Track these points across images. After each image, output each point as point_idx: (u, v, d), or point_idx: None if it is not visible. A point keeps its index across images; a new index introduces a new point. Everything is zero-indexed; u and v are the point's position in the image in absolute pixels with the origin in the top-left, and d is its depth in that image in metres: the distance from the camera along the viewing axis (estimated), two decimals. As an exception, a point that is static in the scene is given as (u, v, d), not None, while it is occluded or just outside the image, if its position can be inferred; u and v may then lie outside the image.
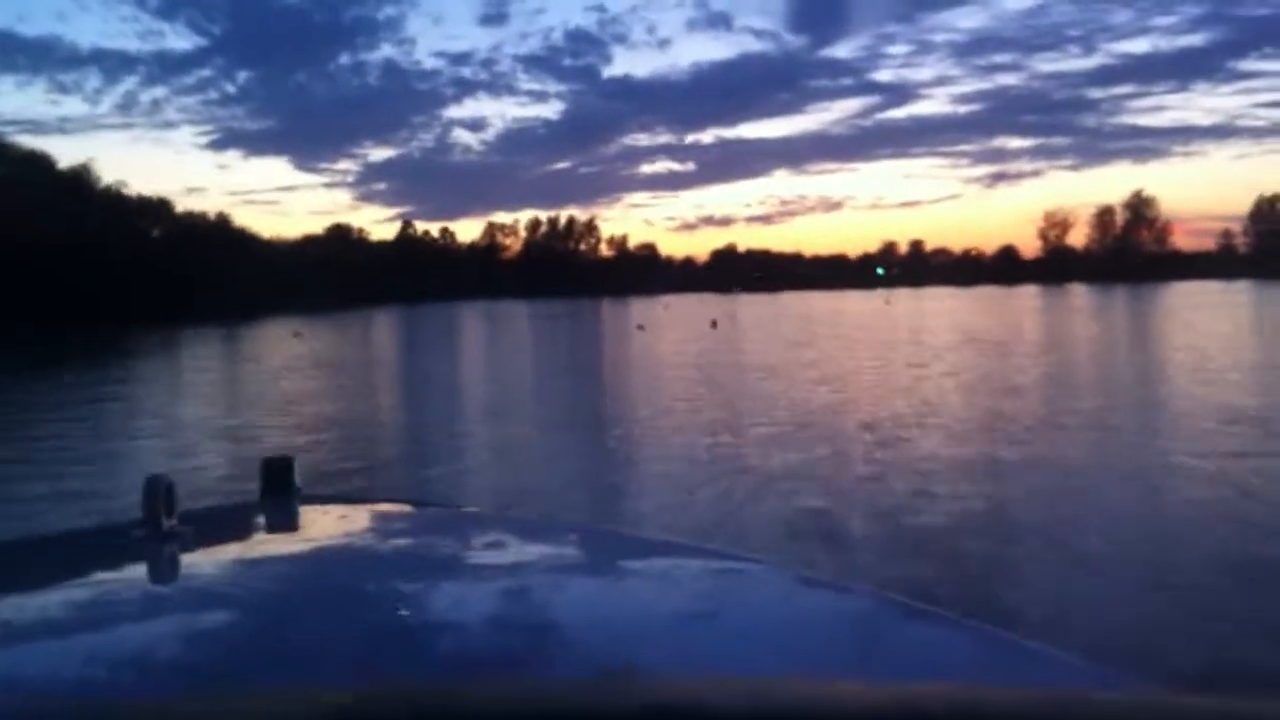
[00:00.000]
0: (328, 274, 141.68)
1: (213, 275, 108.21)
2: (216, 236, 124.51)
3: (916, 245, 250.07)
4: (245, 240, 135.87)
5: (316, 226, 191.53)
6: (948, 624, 1.21)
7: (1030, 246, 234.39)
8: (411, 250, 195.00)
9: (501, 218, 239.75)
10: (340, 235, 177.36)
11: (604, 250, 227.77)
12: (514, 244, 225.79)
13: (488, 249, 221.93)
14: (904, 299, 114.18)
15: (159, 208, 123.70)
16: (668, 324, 64.81)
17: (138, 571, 1.42)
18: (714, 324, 58.57)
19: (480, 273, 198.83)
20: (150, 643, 1.02)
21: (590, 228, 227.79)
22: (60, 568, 1.44)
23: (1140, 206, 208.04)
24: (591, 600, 1.30)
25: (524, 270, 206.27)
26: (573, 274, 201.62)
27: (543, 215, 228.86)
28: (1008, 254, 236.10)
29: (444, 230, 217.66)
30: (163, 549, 1.41)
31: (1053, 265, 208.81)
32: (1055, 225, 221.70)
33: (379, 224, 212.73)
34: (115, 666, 0.89)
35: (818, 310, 76.95)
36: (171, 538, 1.44)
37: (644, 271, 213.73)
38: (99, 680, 0.86)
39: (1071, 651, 1.04)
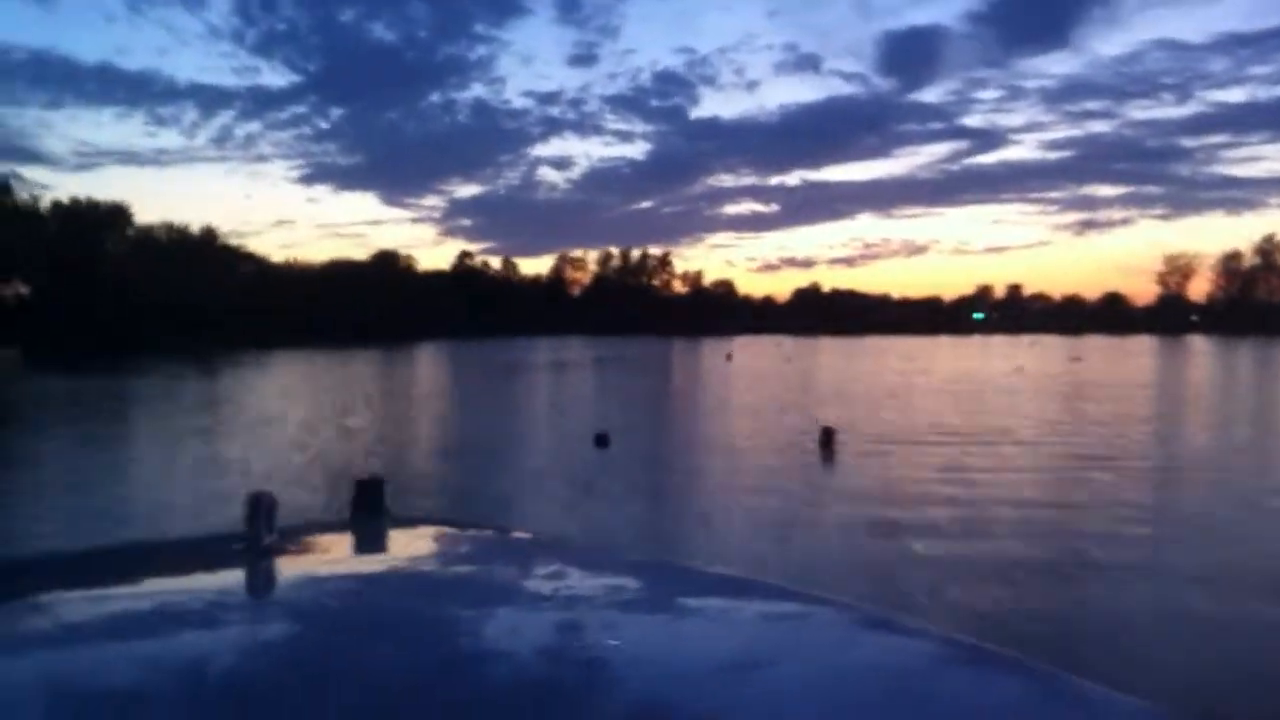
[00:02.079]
0: (365, 304, 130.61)
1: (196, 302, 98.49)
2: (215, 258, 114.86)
3: (1014, 289, 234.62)
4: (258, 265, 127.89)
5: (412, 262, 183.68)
6: (1017, 668, 1.18)
7: (1139, 294, 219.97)
8: (469, 281, 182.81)
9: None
10: (385, 262, 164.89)
11: (678, 287, 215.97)
12: (583, 278, 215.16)
13: (554, 283, 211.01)
14: (1027, 351, 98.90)
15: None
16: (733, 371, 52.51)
17: (235, 583, 1.48)
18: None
19: (546, 308, 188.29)
20: (239, 655, 1.06)
21: (664, 263, 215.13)
22: (163, 575, 1.53)
23: (1273, 252, 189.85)
24: (655, 636, 1.30)
25: (592, 306, 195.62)
26: (644, 311, 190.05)
27: (614, 249, 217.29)
28: (1113, 301, 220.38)
29: (506, 261, 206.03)
30: (260, 563, 1.49)
31: (1168, 314, 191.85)
32: (1176, 271, 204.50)
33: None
34: (203, 676, 0.92)
35: (936, 367, 62.89)
36: (269, 552, 1.52)
37: (720, 310, 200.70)
38: (185, 689, 0.89)
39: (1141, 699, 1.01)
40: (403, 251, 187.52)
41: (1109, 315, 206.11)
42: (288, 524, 1.65)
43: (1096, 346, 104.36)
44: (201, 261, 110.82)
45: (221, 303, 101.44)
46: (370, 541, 1.80)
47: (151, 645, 1.09)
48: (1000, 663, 1.20)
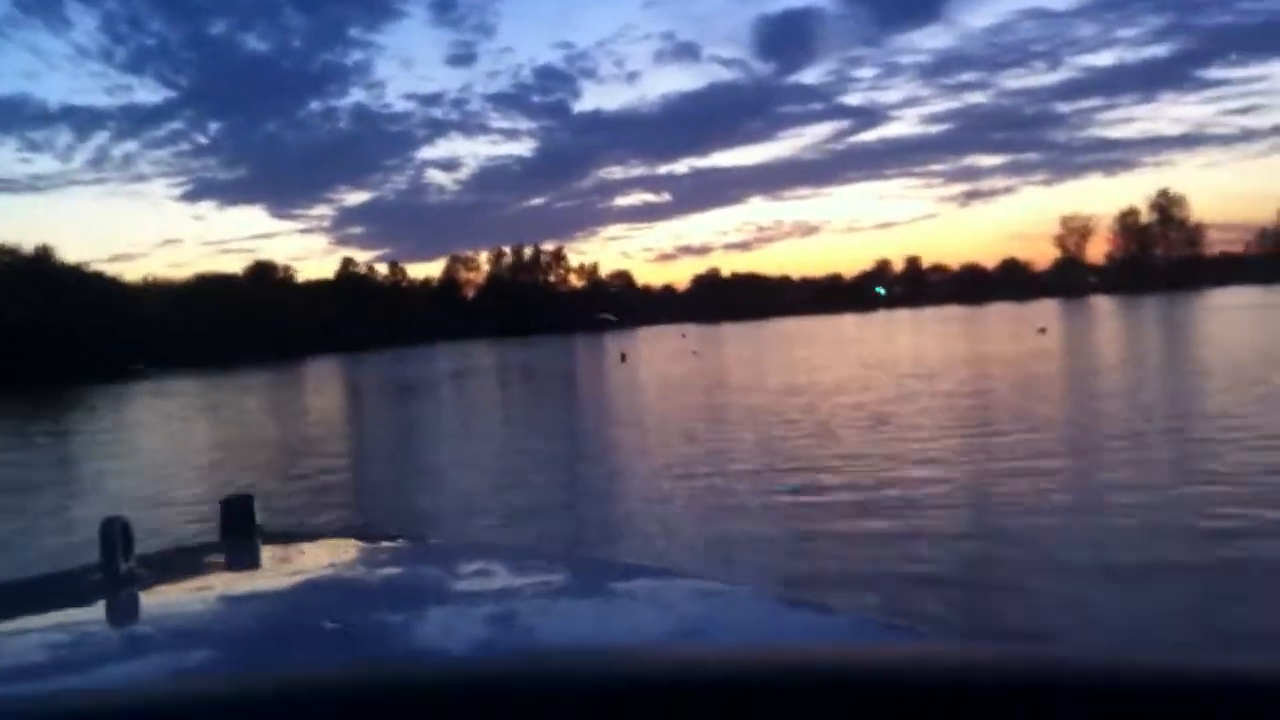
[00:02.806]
0: (240, 321, 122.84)
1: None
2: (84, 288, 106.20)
3: (913, 262, 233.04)
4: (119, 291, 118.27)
5: (300, 274, 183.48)
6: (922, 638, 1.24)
7: (1035, 258, 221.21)
8: (355, 291, 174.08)
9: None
10: (263, 274, 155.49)
11: (575, 281, 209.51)
12: (477, 279, 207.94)
13: (447, 286, 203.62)
14: (932, 322, 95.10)
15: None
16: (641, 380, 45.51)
17: (94, 615, 1.39)
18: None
19: (439, 313, 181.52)
20: (102, 693, 0.95)
21: (558, 257, 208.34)
22: (14, 614, 1.39)
23: (1168, 207, 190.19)
24: (556, 629, 1.29)
25: (488, 307, 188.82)
26: (542, 309, 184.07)
27: (506, 248, 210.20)
28: (1011, 267, 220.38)
29: (394, 266, 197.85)
30: (119, 592, 1.40)
31: (1067, 276, 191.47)
32: (1073, 232, 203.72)
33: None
34: (70, 713, 0.84)
35: (888, 348, 53.35)
36: (129, 580, 1.43)
37: (619, 301, 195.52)
38: None
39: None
40: (294, 264, 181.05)
41: (1009, 282, 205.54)
42: (148, 552, 1.56)
43: (1012, 314, 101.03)
44: (36, 284, 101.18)
45: (61, 329, 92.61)
46: (241, 561, 1.71)
47: (9, 691, 1.01)
48: (901, 634, 1.24)
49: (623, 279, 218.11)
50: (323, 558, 1.79)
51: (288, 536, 1.90)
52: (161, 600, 1.41)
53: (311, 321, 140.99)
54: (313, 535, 1.98)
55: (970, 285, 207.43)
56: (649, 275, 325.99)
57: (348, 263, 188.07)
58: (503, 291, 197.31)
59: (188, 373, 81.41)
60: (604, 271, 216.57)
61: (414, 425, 28.71)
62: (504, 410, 32.47)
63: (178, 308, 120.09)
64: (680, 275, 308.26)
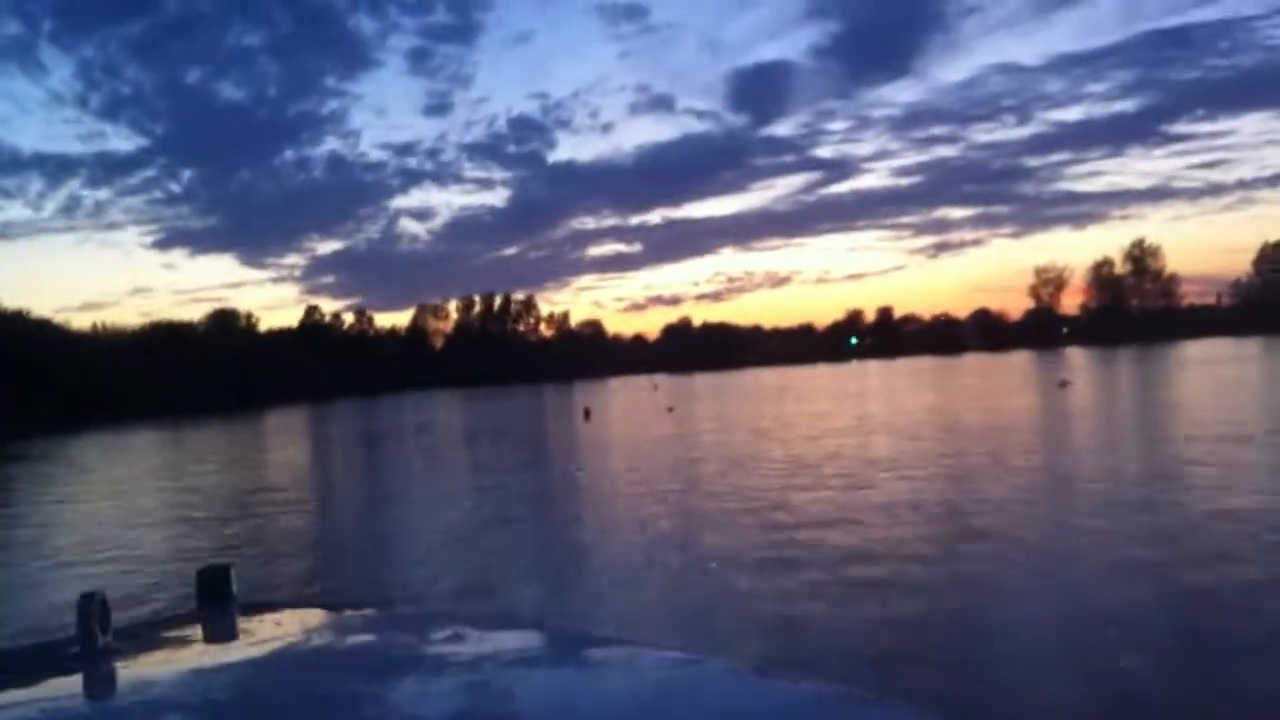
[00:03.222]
0: (196, 371, 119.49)
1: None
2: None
3: (885, 312, 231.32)
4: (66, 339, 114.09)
5: (266, 322, 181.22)
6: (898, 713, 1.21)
7: (1005, 309, 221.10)
8: (319, 339, 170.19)
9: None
10: (222, 322, 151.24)
11: (545, 330, 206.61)
12: (445, 327, 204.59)
13: (415, 334, 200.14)
14: (919, 374, 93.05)
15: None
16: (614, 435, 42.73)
17: (73, 691, 1.37)
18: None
19: (406, 362, 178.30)
20: None
21: (529, 306, 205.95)
22: None
23: (1143, 258, 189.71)
24: (529, 698, 1.29)
25: (457, 356, 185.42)
26: (511, 358, 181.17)
27: (476, 296, 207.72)
28: (983, 318, 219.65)
29: (360, 314, 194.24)
30: (98, 667, 1.39)
31: (1041, 327, 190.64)
32: (1048, 283, 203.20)
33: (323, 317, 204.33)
34: None
35: (870, 404, 49.88)
36: (106, 654, 1.42)
37: (589, 351, 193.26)
38: None
39: None
40: (265, 312, 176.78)
41: (984, 332, 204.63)
42: (124, 623, 1.55)
43: (989, 367, 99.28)
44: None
45: None
46: (219, 631, 1.71)
47: None
48: (881, 709, 1.21)
49: (593, 328, 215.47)
50: (299, 627, 1.78)
51: (264, 606, 1.89)
52: (140, 673, 1.41)
53: (275, 371, 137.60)
54: (289, 604, 1.96)
55: (944, 336, 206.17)
56: (620, 325, 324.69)
57: (311, 310, 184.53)
58: (472, 341, 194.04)
59: (142, 425, 77.94)
60: (574, 321, 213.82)
61: (370, 483, 26.12)
62: (451, 478, 29.72)
63: (131, 356, 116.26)
64: (651, 325, 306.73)
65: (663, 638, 6.86)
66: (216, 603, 1.79)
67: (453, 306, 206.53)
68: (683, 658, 1.46)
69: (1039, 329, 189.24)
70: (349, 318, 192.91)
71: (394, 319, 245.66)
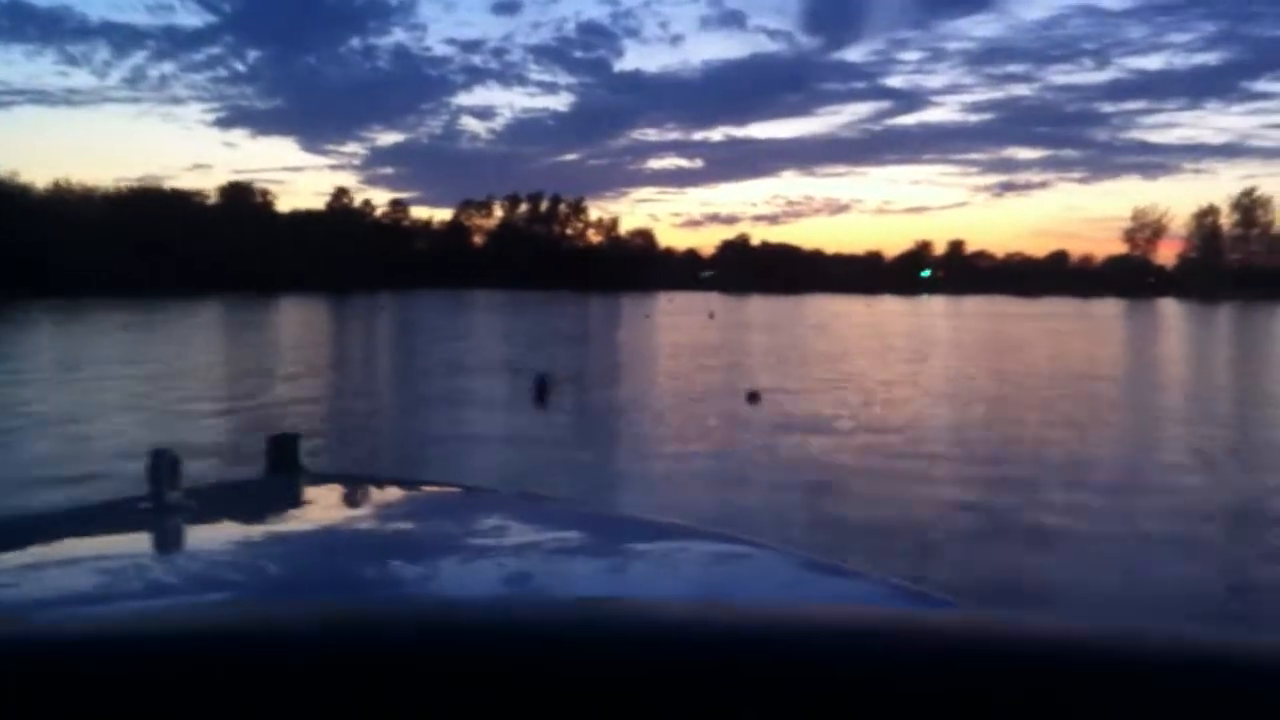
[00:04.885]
0: (223, 252, 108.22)
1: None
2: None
3: (956, 247, 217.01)
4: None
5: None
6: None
7: (1077, 253, 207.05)
8: (347, 226, 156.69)
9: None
10: (239, 199, 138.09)
11: (593, 237, 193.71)
12: (488, 224, 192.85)
13: (454, 230, 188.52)
14: (1048, 318, 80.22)
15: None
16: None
17: (143, 545, 1.43)
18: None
19: (446, 258, 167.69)
20: (142, 614, 0.99)
21: (578, 209, 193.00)
22: (66, 539, 1.45)
23: (1252, 209, 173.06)
24: (580, 578, 1.30)
25: (495, 257, 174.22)
26: (555, 263, 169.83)
27: (522, 195, 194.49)
28: (1059, 259, 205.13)
29: (395, 204, 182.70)
30: (168, 523, 1.44)
31: (1127, 274, 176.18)
32: (1145, 228, 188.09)
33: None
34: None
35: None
36: (175, 511, 1.46)
37: (639, 264, 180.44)
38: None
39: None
40: (315, 199, 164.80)
41: (1057, 274, 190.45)
42: (195, 485, 1.59)
43: (1126, 312, 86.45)
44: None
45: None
46: (285, 498, 1.74)
47: (64, 614, 1.02)
48: (927, 603, 1.24)
49: (644, 238, 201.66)
50: (362, 499, 1.80)
51: (330, 477, 1.92)
52: (208, 532, 1.46)
53: (297, 255, 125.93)
54: (354, 478, 2.00)
55: (1020, 276, 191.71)
56: (674, 239, 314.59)
57: (340, 193, 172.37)
58: (515, 242, 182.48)
59: (103, 301, 67.33)
60: (624, 229, 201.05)
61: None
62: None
63: (109, 222, 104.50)
64: (705, 242, 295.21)
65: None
66: (284, 470, 1.84)
67: (497, 206, 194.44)
68: (739, 548, 1.49)
69: (1126, 276, 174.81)
70: (380, 204, 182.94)
71: (431, 213, 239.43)
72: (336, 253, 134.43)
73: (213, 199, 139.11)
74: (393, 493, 1.89)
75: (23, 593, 1.16)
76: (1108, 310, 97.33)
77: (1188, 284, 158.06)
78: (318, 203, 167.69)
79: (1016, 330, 55.16)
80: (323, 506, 1.72)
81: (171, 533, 1.40)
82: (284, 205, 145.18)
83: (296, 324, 54.22)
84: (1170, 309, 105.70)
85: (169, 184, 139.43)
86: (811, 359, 32.69)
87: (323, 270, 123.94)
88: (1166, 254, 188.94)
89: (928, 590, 1.25)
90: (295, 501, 1.71)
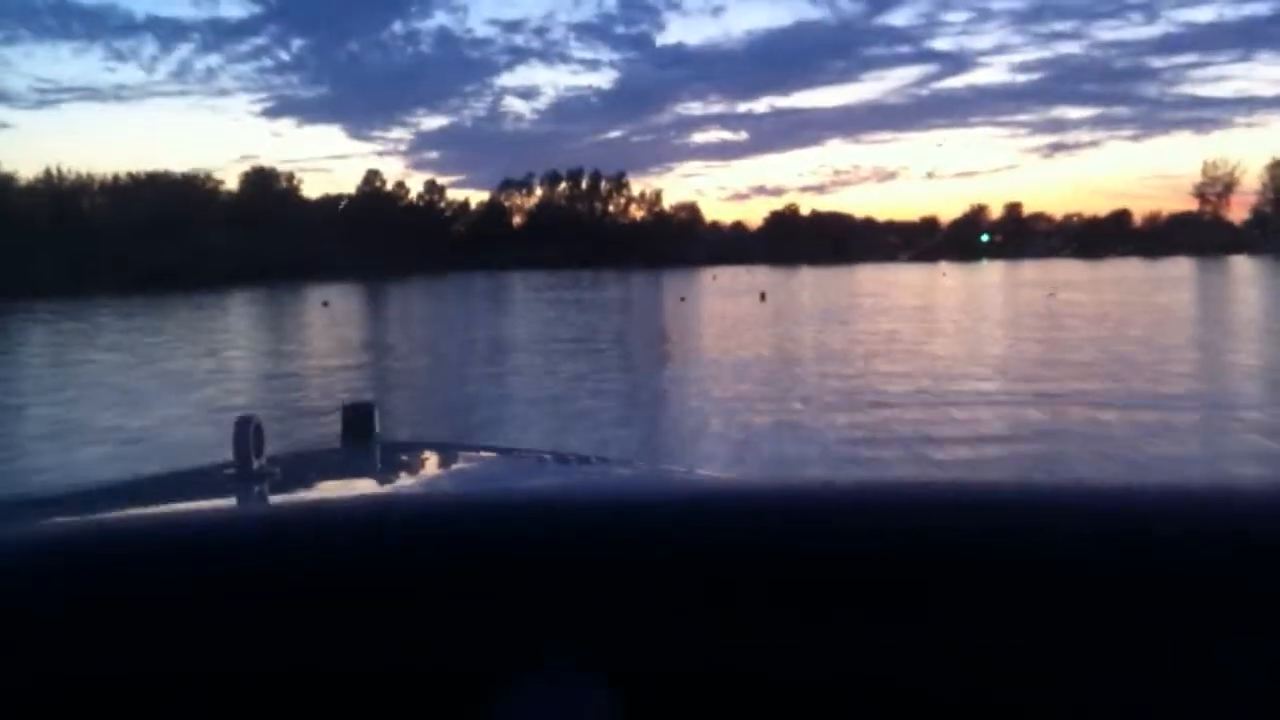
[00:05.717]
0: (247, 238, 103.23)
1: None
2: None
3: (1013, 210, 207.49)
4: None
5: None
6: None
7: (1138, 212, 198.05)
8: (380, 211, 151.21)
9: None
10: (263, 185, 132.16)
11: (635, 213, 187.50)
12: (527, 204, 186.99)
13: (491, 211, 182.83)
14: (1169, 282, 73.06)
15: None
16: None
17: (229, 509, 1.46)
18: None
19: (483, 239, 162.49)
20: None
21: (620, 185, 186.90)
22: (156, 506, 1.48)
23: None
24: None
25: (535, 237, 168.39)
26: (597, 240, 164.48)
27: (562, 172, 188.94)
28: (1121, 219, 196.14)
29: (430, 185, 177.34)
30: (254, 488, 1.49)
31: (1203, 232, 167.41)
32: (1216, 181, 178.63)
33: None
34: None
35: None
36: (260, 477, 1.51)
37: (684, 238, 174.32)
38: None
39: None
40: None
41: (1120, 234, 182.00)
42: (276, 453, 1.63)
43: (1238, 275, 79.11)
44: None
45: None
46: (365, 465, 1.81)
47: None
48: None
49: (688, 211, 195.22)
50: (437, 465, 1.87)
51: (406, 445, 1.99)
52: (291, 498, 1.52)
53: (327, 242, 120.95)
54: (429, 445, 2.04)
55: (1083, 237, 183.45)
56: (720, 214, 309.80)
57: (372, 176, 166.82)
58: (555, 220, 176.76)
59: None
60: (669, 204, 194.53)
61: None
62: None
63: (103, 214, 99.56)
64: (753, 215, 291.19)
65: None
66: (360, 438, 1.88)
67: (537, 183, 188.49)
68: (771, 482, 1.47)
69: (1193, 233, 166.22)
70: (414, 188, 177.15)
71: (468, 195, 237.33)
72: (368, 238, 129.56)
73: (230, 185, 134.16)
74: (470, 459, 1.95)
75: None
76: (1201, 271, 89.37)
77: (1263, 239, 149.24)
78: (299, 178, 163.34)
79: (1165, 299, 46.75)
80: (400, 473, 1.77)
81: (257, 499, 1.46)
82: (332, 192, 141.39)
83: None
84: (1254, 267, 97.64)
85: (217, 176, 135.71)
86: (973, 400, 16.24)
87: (353, 257, 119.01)
88: (1237, 210, 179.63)
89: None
90: (373, 468, 1.77)
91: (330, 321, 42.31)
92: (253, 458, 1.51)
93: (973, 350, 24.52)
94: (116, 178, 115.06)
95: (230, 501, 1.48)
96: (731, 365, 21.86)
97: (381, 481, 1.71)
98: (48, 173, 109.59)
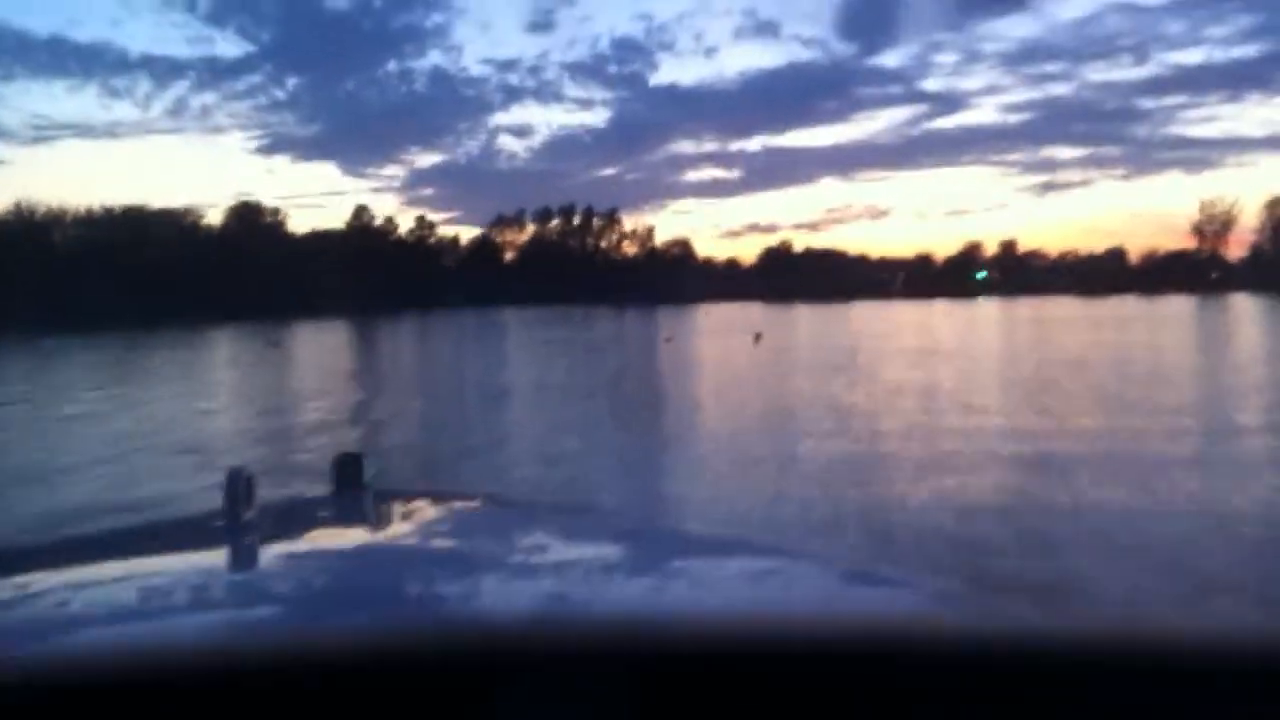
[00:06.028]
0: (230, 274, 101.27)
1: None
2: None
3: (1008, 247, 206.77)
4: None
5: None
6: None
7: (1133, 250, 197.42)
8: (365, 246, 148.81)
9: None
10: (246, 216, 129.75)
11: (627, 248, 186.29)
12: (519, 240, 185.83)
13: (482, 246, 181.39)
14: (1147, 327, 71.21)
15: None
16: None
17: (218, 559, 1.49)
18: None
19: (475, 275, 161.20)
20: (228, 632, 1.05)
21: (612, 221, 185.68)
22: (144, 557, 1.49)
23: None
24: (645, 597, 1.30)
25: (526, 273, 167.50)
26: (589, 277, 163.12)
27: (553, 208, 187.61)
28: (1117, 256, 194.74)
29: (420, 220, 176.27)
30: (243, 539, 1.49)
31: (1196, 269, 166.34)
32: (1214, 220, 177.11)
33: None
34: (194, 657, 0.92)
35: None
36: (250, 528, 1.52)
37: (677, 273, 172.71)
38: (176, 669, 0.89)
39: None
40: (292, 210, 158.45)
41: (1116, 272, 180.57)
42: (267, 501, 1.64)
43: (1241, 314, 77.27)
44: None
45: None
46: (355, 514, 1.83)
47: (140, 628, 1.06)
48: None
49: (681, 248, 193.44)
50: (428, 517, 1.85)
51: (397, 494, 2.00)
52: (281, 547, 1.51)
53: (309, 277, 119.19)
54: (420, 495, 2.07)
55: (1076, 274, 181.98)
56: (714, 250, 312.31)
57: (360, 212, 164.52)
58: (546, 256, 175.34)
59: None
60: (660, 240, 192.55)
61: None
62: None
63: (99, 255, 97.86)
64: (746, 252, 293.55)
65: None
66: (350, 488, 1.91)
67: (528, 218, 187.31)
68: (786, 561, 1.48)
69: (1194, 271, 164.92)
70: (404, 224, 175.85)
71: (459, 231, 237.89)
72: (355, 274, 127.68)
73: (211, 220, 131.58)
74: (461, 509, 1.95)
75: (96, 609, 1.18)
76: (1204, 309, 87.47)
77: (1262, 277, 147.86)
78: (285, 212, 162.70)
79: (1178, 338, 44.49)
80: (390, 523, 1.75)
81: (247, 549, 1.45)
82: (324, 228, 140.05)
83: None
84: (1254, 305, 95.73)
85: (213, 213, 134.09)
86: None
87: (340, 293, 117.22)
88: (1235, 248, 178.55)
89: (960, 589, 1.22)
90: (365, 518, 1.78)
91: (271, 364, 40.11)
92: (243, 509, 1.51)
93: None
94: (90, 211, 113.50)
95: (221, 552, 1.49)
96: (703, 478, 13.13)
97: (371, 534, 1.70)
98: (17, 205, 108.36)
